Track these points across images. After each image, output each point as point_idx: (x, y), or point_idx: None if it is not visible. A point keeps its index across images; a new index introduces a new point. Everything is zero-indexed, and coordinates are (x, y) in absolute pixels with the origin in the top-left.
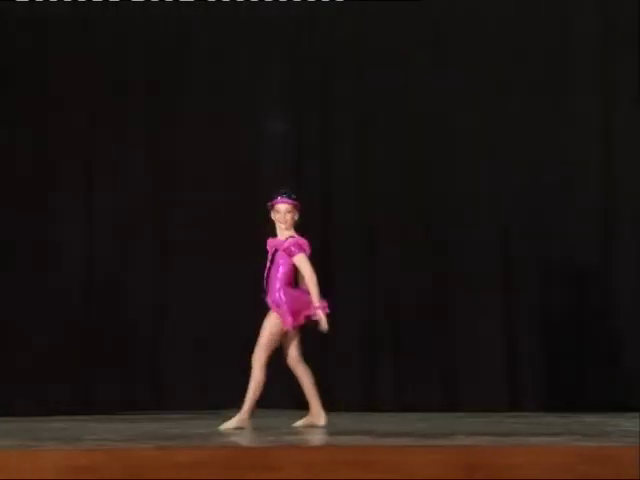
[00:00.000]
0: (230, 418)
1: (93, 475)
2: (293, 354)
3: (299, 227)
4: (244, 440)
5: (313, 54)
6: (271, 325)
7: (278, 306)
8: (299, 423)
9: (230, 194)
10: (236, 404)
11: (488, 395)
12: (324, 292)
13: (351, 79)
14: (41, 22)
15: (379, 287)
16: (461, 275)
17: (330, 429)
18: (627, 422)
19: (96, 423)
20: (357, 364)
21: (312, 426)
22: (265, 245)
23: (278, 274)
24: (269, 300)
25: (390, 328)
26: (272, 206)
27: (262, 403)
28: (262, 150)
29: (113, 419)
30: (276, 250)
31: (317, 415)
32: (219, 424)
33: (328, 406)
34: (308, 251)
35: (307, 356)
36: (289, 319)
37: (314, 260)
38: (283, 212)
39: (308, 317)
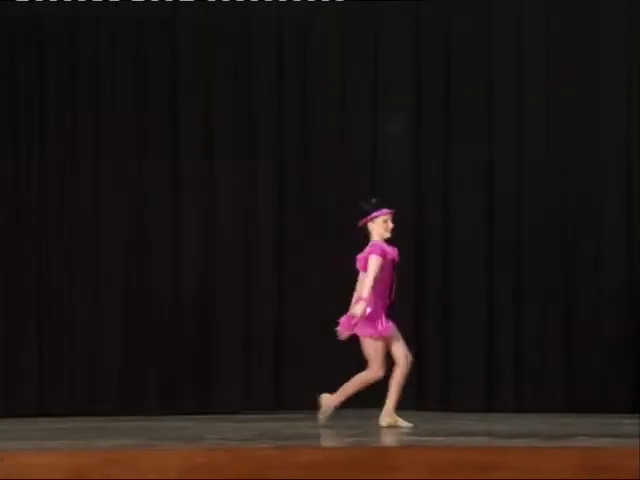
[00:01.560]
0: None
1: (214, 474)
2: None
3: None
4: (363, 440)
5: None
6: None
7: None
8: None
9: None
10: (352, 404)
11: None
12: None
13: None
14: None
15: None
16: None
17: (449, 430)
18: None
19: (216, 423)
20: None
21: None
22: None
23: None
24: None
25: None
26: (375, 218)
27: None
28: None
29: (233, 419)
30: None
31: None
32: (338, 424)
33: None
34: None
35: None
36: None
37: None
38: (388, 222)
39: None
